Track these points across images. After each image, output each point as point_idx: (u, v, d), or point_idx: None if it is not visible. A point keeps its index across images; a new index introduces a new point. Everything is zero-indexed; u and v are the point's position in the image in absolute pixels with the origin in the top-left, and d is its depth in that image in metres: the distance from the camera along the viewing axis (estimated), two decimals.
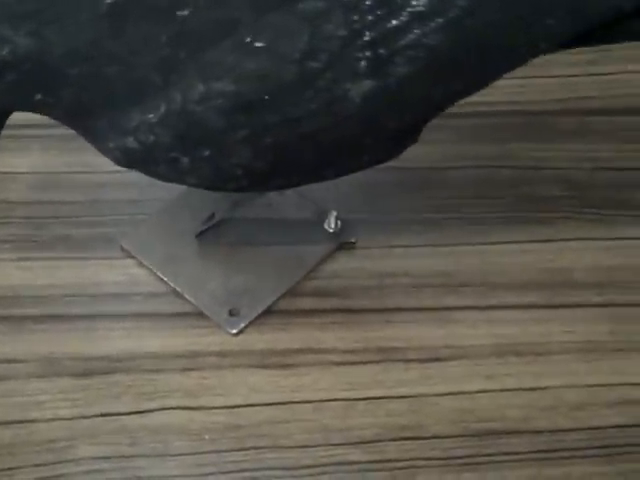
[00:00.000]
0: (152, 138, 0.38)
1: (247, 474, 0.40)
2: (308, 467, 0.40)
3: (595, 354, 0.44)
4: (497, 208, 0.50)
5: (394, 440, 0.41)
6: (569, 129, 0.53)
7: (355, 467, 0.41)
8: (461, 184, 0.51)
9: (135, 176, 0.49)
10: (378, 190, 0.50)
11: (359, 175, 0.42)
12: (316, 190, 0.46)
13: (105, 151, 0.40)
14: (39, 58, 0.38)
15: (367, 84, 0.37)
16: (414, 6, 0.36)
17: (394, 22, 0.36)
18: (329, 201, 0.49)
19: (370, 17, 0.36)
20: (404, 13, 0.36)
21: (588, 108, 0.54)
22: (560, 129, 0.53)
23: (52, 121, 0.46)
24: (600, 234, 0.48)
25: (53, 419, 0.42)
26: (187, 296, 0.46)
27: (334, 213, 0.48)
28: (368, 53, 0.37)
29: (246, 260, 0.47)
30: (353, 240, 0.48)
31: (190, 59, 0.37)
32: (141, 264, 0.47)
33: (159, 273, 0.47)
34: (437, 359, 0.44)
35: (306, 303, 0.46)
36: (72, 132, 0.52)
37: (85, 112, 0.39)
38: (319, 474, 0.40)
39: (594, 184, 0.51)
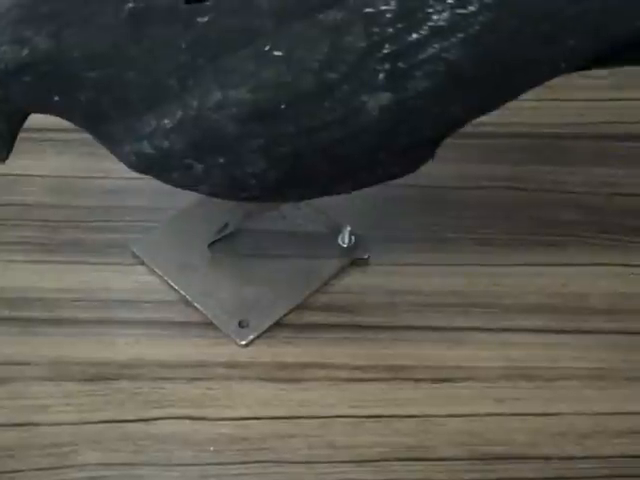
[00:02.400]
0: (167, 144, 0.38)
1: None
2: None
3: (606, 381, 0.43)
4: (512, 230, 0.49)
5: (400, 460, 0.41)
6: (587, 153, 0.53)
7: None
8: (476, 204, 0.50)
9: (149, 183, 0.49)
10: (393, 207, 0.50)
11: (374, 191, 0.42)
12: (330, 205, 0.46)
13: (120, 155, 0.40)
14: (58, 60, 0.38)
15: (385, 97, 0.37)
16: (435, 20, 0.36)
17: (414, 36, 0.36)
18: (343, 216, 0.48)
19: (390, 30, 0.36)
20: (424, 27, 0.36)
21: (607, 133, 0.54)
22: (578, 153, 0.53)
23: (69, 125, 0.46)
24: (615, 260, 0.48)
25: (57, 423, 0.42)
26: (197, 305, 0.46)
27: (348, 228, 0.48)
28: (387, 66, 0.37)
29: (258, 272, 0.47)
30: (366, 256, 0.48)
31: (208, 66, 0.37)
32: (152, 271, 0.47)
33: (170, 281, 0.47)
34: (446, 380, 0.43)
35: (316, 317, 0.46)
36: (88, 137, 0.52)
37: (102, 116, 0.39)
38: None
39: (610, 209, 0.50)
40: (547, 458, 0.41)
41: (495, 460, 0.41)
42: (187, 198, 0.49)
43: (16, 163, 0.49)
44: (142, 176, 0.42)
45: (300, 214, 0.49)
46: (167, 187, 0.42)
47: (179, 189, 0.42)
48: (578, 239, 0.49)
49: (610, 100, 0.56)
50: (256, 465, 0.40)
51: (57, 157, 0.53)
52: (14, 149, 0.42)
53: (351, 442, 0.41)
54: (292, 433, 0.41)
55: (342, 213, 0.48)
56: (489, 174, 0.52)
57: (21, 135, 0.42)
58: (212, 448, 0.41)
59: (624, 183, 0.52)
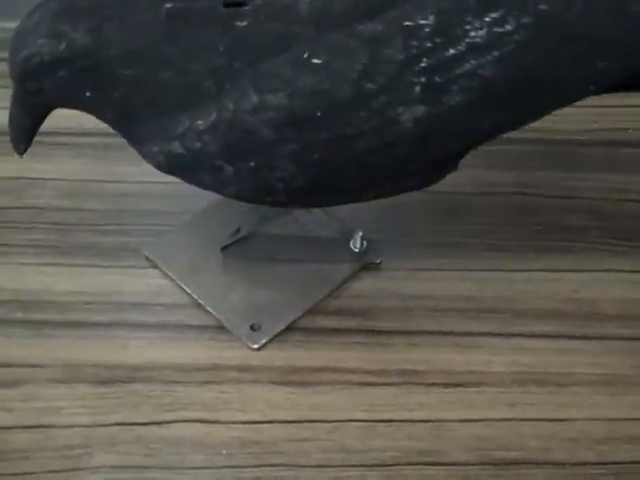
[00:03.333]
0: (198, 145, 0.39)
1: None
2: None
3: (619, 387, 0.43)
4: (524, 235, 0.49)
5: (412, 464, 0.41)
6: (599, 159, 0.53)
7: None
8: (488, 210, 0.51)
9: (162, 187, 0.50)
10: (405, 212, 0.50)
11: None
12: (343, 210, 0.46)
13: (148, 155, 0.40)
14: (94, 56, 0.38)
15: (420, 109, 0.37)
16: (472, 37, 0.37)
17: (451, 51, 0.37)
18: (355, 221, 0.48)
19: (428, 44, 0.37)
20: (462, 43, 0.37)
21: (619, 139, 0.54)
22: (590, 159, 0.53)
23: (82, 129, 0.47)
24: (627, 266, 0.48)
25: (70, 426, 0.42)
26: (209, 309, 0.46)
27: (360, 233, 0.48)
28: (423, 79, 0.37)
29: (270, 275, 0.47)
30: (378, 261, 0.48)
31: (246, 69, 0.38)
32: (165, 275, 0.47)
33: (182, 284, 0.47)
34: (459, 384, 0.43)
35: (328, 322, 0.46)
36: (101, 141, 0.53)
37: (133, 114, 0.39)
38: None
39: (622, 215, 0.50)
40: (559, 464, 0.41)
41: (507, 465, 0.41)
42: (200, 202, 0.49)
43: (29, 166, 0.50)
44: (155, 180, 0.43)
45: (312, 219, 0.49)
46: (180, 191, 0.43)
47: (192, 193, 0.42)
48: (589, 245, 0.49)
49: (621, 107, 0.56)
50: (268, 469, 0.40)
51: (70, 161, 0.53)
52: (27, 152, 0.42)
53: (363, 446, 0.41)
54: (304, 437, 0.41)
55: (354, 218, 0.48)
56: (501, 180, 0.52)
57: (34, 139, 0.42)
58: (224, 451, 0.41)
59: (635, 189, 0.52)
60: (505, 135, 0.50)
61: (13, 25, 0.40)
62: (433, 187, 0.44)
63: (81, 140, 0.53)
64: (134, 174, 0.52)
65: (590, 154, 0.54)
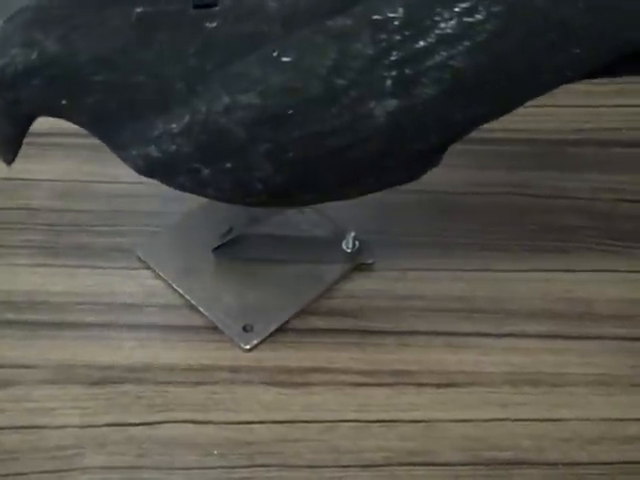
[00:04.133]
0: (174, 148, 0.39)
1: None
2: None
3: (612, 388, 0.43)
4: (516, 236, 0.49)
5: (404, 465, 0.41)
6: (591, 159, 0.53)
7: None
8: (481, 210, 0.50)
9: (154, 188, 0.49)
10: (397, 212, 0.50)
11: (378, 196, 0.42)
12: (335, 210, 0.46)
13: (127, 159, 0.41)
14: (66, 64, 0.38)
15: (392, 103, 0.37)
16: (442, 28, 0.36)
17: (421, 43, 0.37)
18: (347, 221, 0.48)
19: (398, 37, 0.37)
20: (432, 34, 0.37)
21: (612, 139, 0.54)
22: (582, 159, 0.53)
23: (74, 130, 0.46)
24: (621, 266, 0.48)
25: (62, 426, 0.42)
26: (201, 310, 0.46)
27: (352, 233, 0.48)
28: (394, 72, 0.37)
29: (262, 276, 0.47)
30: (370, 261, 0.48)
31: (216, 70, 0.38)
32: (157, 276, 0.47)
33: (174, 285, 0.47)
34: (451, 385, 0.43)
35: (320, 322, 0.46)
36: (94, 142, 0.52)
37: (109, 119, 0.39)
38: None
39: (615, 215, 0.50)
40: (552, 464, 0.41)
41: (500, 465, 0.41)
42: (192, 203, 0.49)
43: (22, 167, 0.49)
44: (147, 181, 0.42)
45: (305, 219, 0.49)
46: (172, 192, 0.42)
47: (184, 193, 0.42)
48: (584, 245, 0.49)
49: (615, 106, 0.56)
50: (260, 469, 0.40)
51: (63, 161, 0.53)
52: (20, 153, 0.42)
53: (355, 447, 0.41)
54: (296, 437, 0.41)
55: (347, 218, 0.48)
56: (495, 180, 0.52)
57: (27, 139, 0.42)
58: (216, 452, 0.41)
59: (629, 189, 0.52)
60: (497, 135, 0.50)
61: None
62: (426, 187, 0.44)
63: (74, 141, 0.53)
64: (127, 175, 0.50)
65: (583, 154, 0.53)
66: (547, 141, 0.54)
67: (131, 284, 0.47)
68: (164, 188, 0.45)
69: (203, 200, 0.47)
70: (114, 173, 0.52)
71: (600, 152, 0.54)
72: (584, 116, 0.55)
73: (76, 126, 0.44)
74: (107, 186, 0.51)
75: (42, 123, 0.42)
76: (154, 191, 0.50)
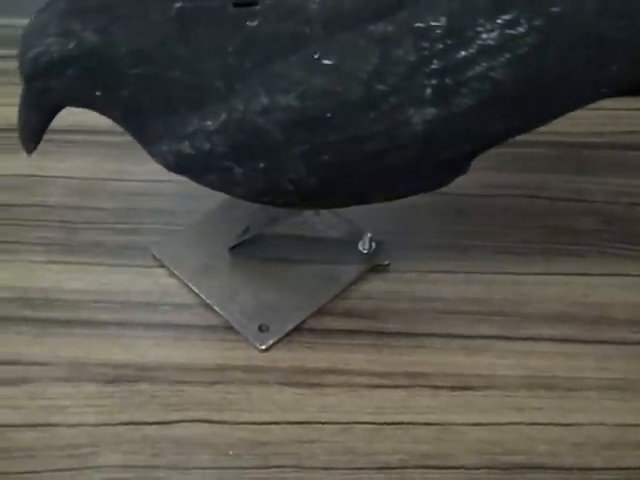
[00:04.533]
0: (208, 145, 0.38)
1: None
2: None
3: (628, 393, 0.43)
4: (533, 238, 0.49)
5: (419, 468, 0.41)
6: (608, 163, 0.53)
7: None
8: (497, 212, 0.50)
9: (171, 186, 0.50)
10: (414, 214, 0.50)
11: None
12: (351, 211, 0.45)
13: (157, 154, 0.40)
14: (104, 55, 0.38)
15: (430, 112, 0.37)
16: (484, 39, 0.37)
17: (463, 53, 0.37)
18: (364, 222, 0.48)
19: (440, 46, 0.37)
20: (474, 45, 0.37)
21: (629, 142, 0.54)
22: (599, 162, 0.53)
23: (92, 127, 0.47)
24: (637, 270, 0.48)
25: (76, 424, 0.42)
26: (217, 309, 0.45)
27: (368, 234, 0.48)
28: (434, 81, 0.37)
29: (278, 276, 0.47)
30: (386, 263, 0.47)
31: (256, 70, 0.38)
32: (172, 274, 0.47)
33: (190, 284, 0.47)
34: (466, 388, 0.43)
35: (336, 323, 0.45)
36: (112, 140, 0.53)
37: (142, 113, 0.39)
38: None
39: (632, 219, 0.50)
40: (567, 468, 0.41)
41: (515, 469, 0.41)
42: (209, 202, 0.49)
43: (38, 164, 0.50)
44: (164, 179, 0.42)
45: (321, 220, 0.49)
46: (189, 190, 0.42)
47: (200, 192, 0.42)
48: (599, 249, 0.49)
49: (631, 110, 0.55)
50: (275, 470, 0.40)
51: (79, 159, 0.53)
52: (37, 150, 0.42)
53: (370, 449, 0.41)
54: (311, 438, 0.41)
55: (363, 219, 0.48)
56: (510, 182, 0.52)
57: (45, 136, 0.42)
58: (231, 452, 0.41)
59: None
60: (515, 138, 0.50)
61: (19, 22, 0.40)
62: (442, 189, 0.44)
63: (91, 138, 0.53)
64: (144, 173, 0.51)
65: (600, 157, 0.53)
66: (564, 144, 0.54)
67: (146, 282, 0.47)
68: (181, 187, 0.45)
69: (220, 199, 0.47)
70: (131, 170, 0.52)
71: (617, 155, 0.53)
72: (602, 119, 0.55)
73: (93, 123, 0.44)
74: (123, 184, 0.51)
75: (59, 120, 0.42)
76: (170, 189, 0.50)
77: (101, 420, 0.42)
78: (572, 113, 0.56)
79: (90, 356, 0.44)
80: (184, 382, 0.43)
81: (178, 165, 0.40)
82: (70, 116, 0.42)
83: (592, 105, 0.46)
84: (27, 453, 0.41)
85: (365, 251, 0.48)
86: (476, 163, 0.49)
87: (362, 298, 0.46)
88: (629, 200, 0.51)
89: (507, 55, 0.37)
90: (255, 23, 0.38)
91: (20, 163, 0.51)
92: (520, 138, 0.52)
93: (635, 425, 0.42)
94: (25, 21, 0.40)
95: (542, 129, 0.53)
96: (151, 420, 0.42)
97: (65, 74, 0.39)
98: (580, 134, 0.54)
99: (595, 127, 0.55)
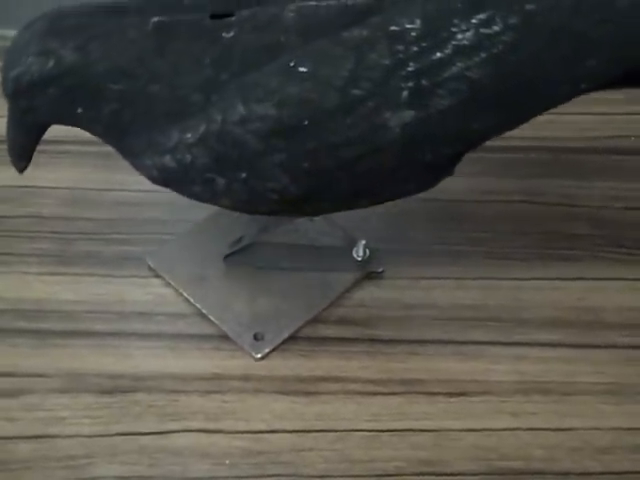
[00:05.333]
0: (189, 158, 0.39)
1: None
2: None
3: (623, 397, 0.43)
4: (526, 243, 0.49)
5: (416, 475, 0.41)
6: (601, 167, 0.53)
7: None
8: (491, 218, 0.50)
9: (164, 196, 0.49)
10: (407, 221, 0.50)
11: (389, 205, 0.42)
12: (345, 218, 0.46)
13: (141, 168, 0.41)
14: (83, 73, 0.38)
15: (408, 114, 0.37)
16: (459, 39, 0.37)
17: (438, 54, 0.37)
18: (358, 230, 0.48)
19: (415, 48, 0.37)
20: (449, 46, 0.37)
21: (621, 147, 0.54)
22: (592, 167, 0.53)
23: (84, 138, 0.46)
24: (630, 274, 0.48)
25: (74, 435, 0.41)
26: (212, 318, 0.45)
27: (363, 242, 0.48)
28: (411, 83, 0.37)
29: (273, 285, 0.47)
30: (381, 270, 0.48)
31: (233, 80, 0.38)
32: (167, 284, 0.47)
33: (185, 294, 0.47)
34: (462, 394, 0.43)
35: (331, 331, 0.46)
36: (104, 150, 0.52)
37: (124, 128, 0.39)
38: None
39: (626, 223, 0.50)
40: (564, 473, 0.41)
41: (512, 475, 0.41)
42: (202, 211, 0.49)
43: (31, 175, 0.49)
44: (157, 189, 0.42)
45: (315, 227, 0.49)
46: (182, 200, 0.42)
47: (195, 202, 0.42)
48: (593, 253, 0.49)
49: (625, 114, 0.56)
50: (272, 479, 0.40)
51: (72, 169, 0.53)
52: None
53: (367, 456, 0.41)
54: (308, 447, 0.41)
55: (357, 226, 0.48)
56: (504, 188, 0.52)
57: (37, 148, 0.42)
58: (228, 462, 0.41)
59: (638, 197, 0.52)
60: (507, 143, 0.50)
61: (9, 33, 0.41)
62: (436, 195, 0.44)
63: (83, 149, 0.53)
64: (136, 182, 0.51)
65: (592, 162, 0.53)
66: (556, 149, 0.54)
67: (141, 292, 0.47)
68: (174, 196, 0.45)
69: (213, 208, 0.47)
70: (123, 181, 0.52)
71: (609, 160, 0.54)
72: (594, 124, 0.55)
73: (85, 134, 0.44)
74: (116, 194, 0.51)
75: (51, 131, 0.42)
76: (164, 199, 0.50)
77: (97, 431, 0.42)
78: (564, 118, 0.56)
79: (86, 367, 0.44)
80: (180, 392, 0.43)
81: (162, 178, 0.40)
82: (62, 127, 0.42)
83: (583, 110, 0.47)
84: (24, 465, 0.41)
85: (359, 258, 0.48)
86: (470, 169, 0.49)
87: (356, 305, 0.47)
88: (622, 204, 0.51)
89: (483, 54, 0.37)
90: (231, 34, 0.38)
91: (12, 174, 0.50)
92: (512, 143, 0.53)
93: (631, 429, 0.42)
94: (15, 31, 0.40)
95: (535, 134, 0.54)
96: (147, 430, 0.42)
97: (46, 93, 0.39)
98: (572, 139, 0.54)
99: (587, 132, 0.55)
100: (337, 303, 0.46)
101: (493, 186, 0.52)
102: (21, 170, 0.42)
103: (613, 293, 0.47)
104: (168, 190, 0.42)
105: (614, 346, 0.45)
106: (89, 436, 0.41)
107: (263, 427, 0.42)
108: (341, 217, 0.46)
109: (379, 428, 0.42)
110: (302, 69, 0.37)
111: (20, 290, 0.47)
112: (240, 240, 0.47)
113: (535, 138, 0.54)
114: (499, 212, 0.51)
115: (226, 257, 0.47)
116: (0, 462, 0.41)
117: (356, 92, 0.37)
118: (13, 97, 0.39)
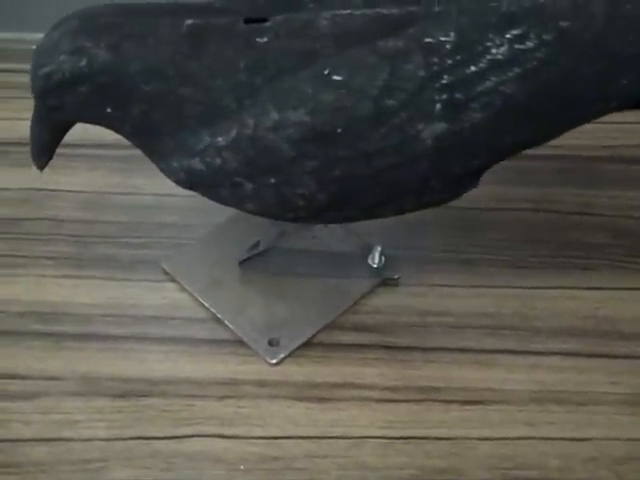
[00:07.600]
0: (219, 161, 0.39)
1: None
2: None
3: (638, 407, 0.43)
4: (543, 252, 0.49)
5: None
6: (618, 176, 0.53)
7: None
8: (507, 226, 0.50)
9: (181, 200, 0.50)
10: (423, 228, 0.50)
11: None
12: (361, 225, 0.45)
13: (167, 170, 0.41)
14: (115, 72, 0.38)
15: (440, 127, 0.37)
16: (494, 54, 0.37)
17: (472, 68, 0.37)
18: (374, 236, 0.48)
19: (449, 61, 0.37)
20: (483, 60, 0.37)
21: (638, 156, 0.54)
22: (609, 175, 0.53)
23: (100, 141, 0.47)
24: None
25: (88, 439, 0.42)
26: (227, 323, 0.46)
27: (378, 248, 0.48)
28: (444, 96, 0.37)
29: (288, 290, 0.47)
30: (396, 276, 0.47)
31: (266, 86, 0.38)
32: (183, 288, 0.47)
33: (200, 298, 0.47)
34: (477, 402, 0.43)
35: (347, 337, 0.45)
36: (120, 153, 0.53)
37: (153, 129, 0.39)
38: None
39: None
40: None
41: None
42: (219, 216, 0.49)
43: (48, 178, 0.50)
44: (174, 193, 0.43)
45: (331, 234, 0.49)
46: (199, 204, 0.42)
47: (211, 206, 0.42)
48: (609, 263, 0.49)
49: None
50: None
51: (89, 173, 0.53)
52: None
53: (381, 463, 0.41)
54: (323, 453, 0.41)
55: (373, 233, 0.48)
56: (520, 196, 0.52)
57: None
58: (242, 467, 0.41)
59: None
60: (525, 151, 0.50)
61: (30, 36, 0.41)
62: (452, 203, 0.44)
63: (100, 152, 0.53)
64: (153, 186, 0.52)
65: (610, 170, 0.53)
66: (572, 157, 0.54)
67: (156, 297, 0.47)
68: (190, 201, 0.46)
69: (230, 213, 0.47)
70: (140, 184, 0.52)
71: (625, 169, 0.53)
72: (610, 132, 0.55)
73: (102, 137, 0.44)
74: (133, 198, 0.52)
75: (68, 134, 0.42)
76: (180, 203, 0.50)
77: (112, 435, 0.42)
78: (583, 126, 0.56)
79: (101, 370, 0.44)
80: (195, 396, 0.43)
81: (189, 181, 0.40)
82: (79, 130, 0.43)
83: (603, 118, 0.46)
84: (39, 468, 0.41)
85: (375, 265, 0.48)
86: (486, 176, 0.49)
87: (372, 312, 0.46)
88: (638, 214, 0.51)
89: (517, 70, 0.37)
90: (265, 39, 0.38)
91: (30, 177, 0.51)
92: (530, 151, 0.52)
93: None
94: (37, 35, 0.40)
95: (552, 142, 0.53)
96: (162, 435, 0.42)
97: (77, 91, 0.39)
98: (590, 147, 0.54)
99: (605, 140, 0.55)
100: (352, 310, 0.46)
101: (510, 194, 0.52)
102: (41, 167, 0.42)
103: (630, 303, 0.47)
104: (184, 194, 0.42)
105: (631, 356, 0.45)
106: (104, 440, 0.42)
107: (278, 433, 0.42)
108: (357, 224, 0.45)
109: (394, 435, 0.42)
110: (336, 77, 0.37)
111: (36, 293, 0.47)
112: (256, 245, 0.47)
113: (554, 146, 0.53)
114: (516, 220, 0.51)
115: (242, 262, 0.48)
116: (15, 465, 0.41)
117: (390, 102, 0.37)
118: (42, 94, 0.39)
